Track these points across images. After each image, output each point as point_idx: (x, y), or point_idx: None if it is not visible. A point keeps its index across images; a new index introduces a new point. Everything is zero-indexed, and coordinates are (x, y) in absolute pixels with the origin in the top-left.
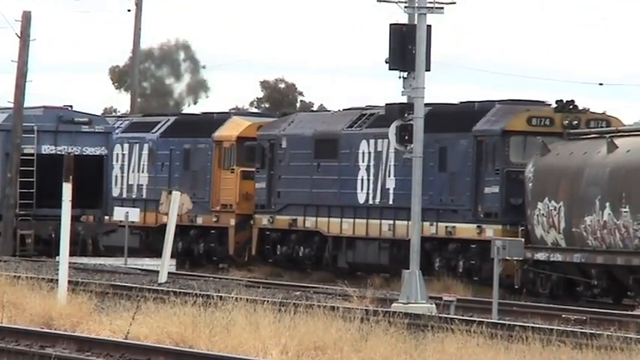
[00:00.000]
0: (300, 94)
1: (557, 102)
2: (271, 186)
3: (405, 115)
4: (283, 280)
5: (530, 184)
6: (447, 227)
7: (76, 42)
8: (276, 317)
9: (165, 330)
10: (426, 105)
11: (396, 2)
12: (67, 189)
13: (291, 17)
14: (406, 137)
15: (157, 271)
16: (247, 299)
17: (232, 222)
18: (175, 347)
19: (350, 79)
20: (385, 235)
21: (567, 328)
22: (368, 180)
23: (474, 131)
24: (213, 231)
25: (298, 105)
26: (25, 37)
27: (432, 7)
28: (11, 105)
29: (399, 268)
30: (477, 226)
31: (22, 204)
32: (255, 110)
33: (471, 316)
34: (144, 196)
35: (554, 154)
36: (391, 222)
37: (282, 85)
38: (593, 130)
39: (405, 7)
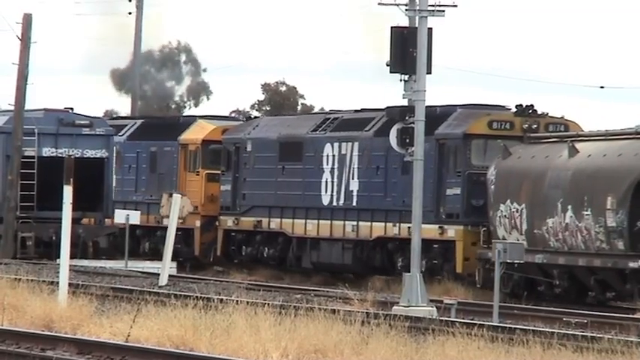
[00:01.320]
0: (302, 96)
1: (517, 106)
2: (236, 188)
3: (406, 117)
4: (284, 283)
5: (492, 187)
6: (409, 228)
7: (77, 44)
8: (276, 320)
9: (165, 333)
10: (386, 109)
11: (397, 5)
12: (67, 191)
13: (291, 20)
14: (407, 140)
15: (158, 274)
16: (248, 302)
17: (198, 223)
18: (176, 350)
19: (351, 81)
20: (349, 236)
21: (568, 332)
22: (332, 182)
23: (436, 135)
24: (179, 232)
25: (299, 108)
26: (26, 40)
27: (433, 10)
28: (12, 107)
29: (363, 267)
30: (439, 227)
31: (23, 206)
32: (257, 113)
33: (471, 320)
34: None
35: (515, 157)
36: (355, 223)
37: (283, 88)
38: (553, 134)
39: (406, 9)
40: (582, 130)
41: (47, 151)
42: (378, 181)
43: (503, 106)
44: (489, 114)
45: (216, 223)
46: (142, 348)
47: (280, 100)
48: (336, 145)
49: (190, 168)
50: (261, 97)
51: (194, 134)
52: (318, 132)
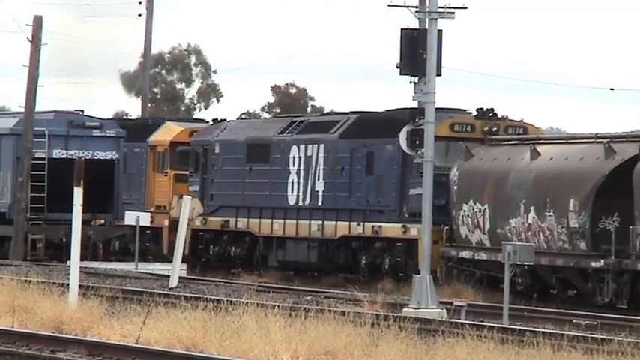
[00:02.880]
0: (311, 98)
1: (477, 110)
2: (204, 189)
3: (416, 119)
4: (294, 285)
5: (455, 187)
6: (373, 227)
7: (87, 46)
8: (286, 322)
9: (175, 334)
10: (354, 113)
11: (407, 7)
12: (77, 193)
13: (302, 22)
14: (417, 142)
15: (168, 276)
16: (258, 304)
17: (166, 223)
18: (186, 352)
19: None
20: (314, 235)
21: (578, 333)
22: (298, 183)
23: (399, 137)
24: (148, 231)
25: (309, 109)
26: (36, 42)
27: (443, 12)
28: (22, 109)
29: (327, 266)
30: (402, 226)
31: (33, 208)
32: (267, 115)
33: (481, 321)
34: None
35: (477, 158)
36: (320, 222)
37: (293, 90)
38: (514, 137)
39: (416, 11)
40: (541, 133)
41: (57, 153)
42: (342, 182)
43: (465, 110)
44: (451, 117)
45: None
46: (152, 350)
47: (290, 102)
48: (302, 147)
49: (159, 169)
50: (271, 99)
51: (162, 136)
52: (284, 134)
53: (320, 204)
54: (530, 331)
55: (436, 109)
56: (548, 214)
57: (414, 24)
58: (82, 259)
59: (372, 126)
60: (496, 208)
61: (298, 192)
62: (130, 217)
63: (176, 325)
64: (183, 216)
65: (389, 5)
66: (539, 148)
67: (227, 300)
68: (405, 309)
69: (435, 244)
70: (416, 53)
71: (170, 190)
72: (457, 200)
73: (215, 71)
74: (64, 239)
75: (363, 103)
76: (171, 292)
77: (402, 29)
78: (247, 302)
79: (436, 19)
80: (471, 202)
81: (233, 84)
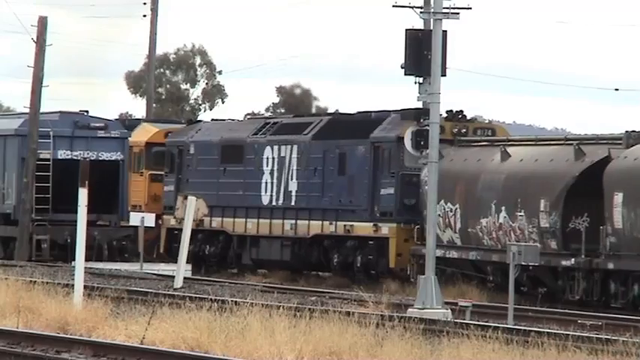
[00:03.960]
0: (316, 99)
1: (447, 112)
2: (179, 189)
3: (421, 120)
4: (299, 286)
5: (426, 187)
6: (345, 226)
7: (92, 47)
8: (291, 322)
9: (180, 335)
10: (327, 114)
11: (412, 7)
12: (82, 194)
13: (306, 23)
14: (421, 142)
15: (173, 277)
16: (262, 304)
17: None
18: (191, 352)
19: (366, 84)
20: (287, 234)
21: (583, 334)
22: (271, 183)
23: (371, 138)
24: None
25: (314, 110)
26: (41, 43)
27: (448, 13)
28: (27, 110)
29: (300, 264)
30: (374, 225)
31: (38, 209)
32: (270, 114)
33: (486, 322)
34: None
35: (448, 159)
36: (293, 221)
37: (298, 91)
38: (483, 138)
39: (421, 12)
40: (509, 135)
41: (62, 154)
42: (315, 182)
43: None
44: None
45: (159, 222)
46: (157, 350)
47: (295, 102)
48: (275, 148)
49: (135, 168)
50: (276, 99)
51: (138, 136)
52: (258, 136)
53: (293, 203)
54: (535, 331)
55: (406, 110)
56: (519, 213)
57: (419, 24)
58: (86, 260)
59: (344, 127)
60: (467, 207)
61: (272, 192)
62: (134, 218)
63: (181, 325)
64: (188, 216)
65: (394, 6)
66: (509, 150)
67: (232, 301)
68: (409, 309)
69: (405, 242)
70: (421, 54)
71: (146, 189)
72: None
73: (220, 72)
74: (68, 240)
75: (367, 103)
76: (176, 293)
77: (406, 30)
78: (252, 303)
79: (441, 19)
80: (442, 201)
81: (238, 85)
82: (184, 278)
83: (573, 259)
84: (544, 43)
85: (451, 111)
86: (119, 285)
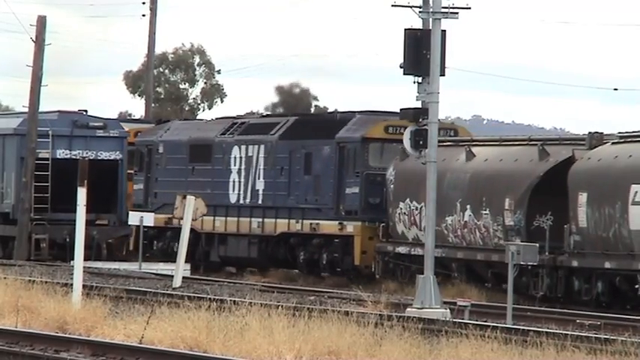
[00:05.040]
0: (315, 98)
1: None
2: (148, 187)
3: (420, 120)
4: (297, 285)
5: (392, 186)
6: (311, 224)
7: (91, 47)
8: (290, 322)
9: (179, 334)
10: (293, 115)
11: (411, 7)
12: (81, 193)
13: (306, 22)
14: (420, 142)
15: (172, 276)
16: (261, 304)
17: None
18: (190, 352)
19: (365, 84)
20: (254, 232)
21: (582, 334)
22: (239, 182)
23: (336, 138)
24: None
25: (313, 110)
26: (40, 42)
27: (447, 12)
28: (26, 109)
29: (267, 261)
30: (339, 223)
31: (37, 208)
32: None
33: (485, 321)
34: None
35: (412, 159)
36: (260, 220)
37: (297, 90)
38: (448, 138)
39: (420, 12)
40: (470, 135)
41: (61, 153)
42: (282, 181)
43: (399, 112)
44: (386, 119)
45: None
46: (155, 350)
47: (294, 102)
48: (243, 147)
49: None
50: (275, 99)
51: None
52: (226, 135)
53: (260, 202)
54: (534, 331)
55: (371, 111)
56: (484, 212)
57: (418, 24)
58: (85, 259)
59: (310, 128)
60: None
61: (239, 190)
62: (133, 217)
63: (180, 325)
64: (187, 216)
65: (392, 5)
66: (474, 150)
67: (231, 300)
68: (408, 309)
69: (370, 240)
70: (419, 53)
71: None
72: (394, 198)
73: (219, 71)
74: (67, 239)
75: (366, 103)
76: (174, 292)
77: (405, 29)
78: (251, 302)
79: (440, 19)
80: (408, 200)
81: (237, 84)
82: (183, 278)
83: (537, 257)
84: (543, 43)
85: None
86: (118, 284)
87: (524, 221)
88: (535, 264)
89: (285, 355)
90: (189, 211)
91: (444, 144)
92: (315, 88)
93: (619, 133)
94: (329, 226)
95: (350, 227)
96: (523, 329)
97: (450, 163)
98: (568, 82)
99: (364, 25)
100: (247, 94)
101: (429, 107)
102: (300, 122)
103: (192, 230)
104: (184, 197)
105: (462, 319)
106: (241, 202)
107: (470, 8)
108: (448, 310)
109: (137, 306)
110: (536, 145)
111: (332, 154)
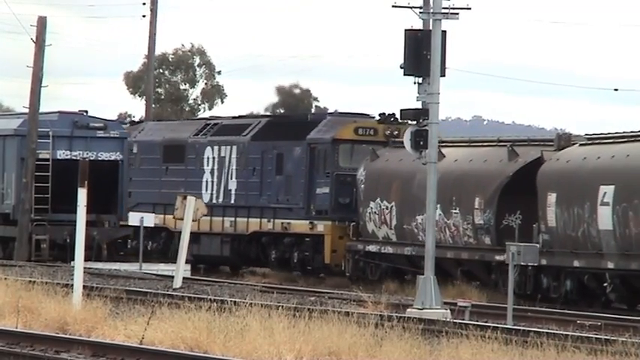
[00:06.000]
0: (315, 99)
1: (380, 115)
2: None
3: (420, 120)
4: (298, 286)
5: (362, 186)
6: (282, 223)
7: (91, 47)
8: (290, 322)
9: (180, 335)
10: (264, 116)
11: (411, 8)
12: (82, 194)
13: (306, 23)
14: (421, 143)
15: (172, 277)
16: (262, 304)
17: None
18: (190, 352)
19: (365, 84)
20: (227, 231)
21: (582, 334)
22: (212, 182)
23: (307, 139)
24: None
25: (313, 110)
26: (40, 43)
27: (447, 13)
28: (26, 110)
29: (239, 259)
30: (310, 222)
31: (38, 209)
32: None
33: (485, 322)
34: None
35: (383, 159)
36: (232, 219)
37: (297, 91)
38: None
39: (420, 12)
40: (440, 137)
41: (62, 154)
42: (254, 181)
43: (368, 115)
44: (355, 121)
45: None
46: (156, 350)
47: (294, 102)
48: (215, 148)
49: None
50: (275, 99)
51: None
52: (199, 136)
53: (233, 202)
54: (535, 331)
55: (341, 113)
56: (454, 211)
57: (418, 25)
58: (86, 260)
59: (281, 129)
60: (403, 205)
61: (212, 190)
62: (133, 218)
63: (180, 325)
64: (187, 216)
65: (393, 6)
66: (444, 150)
67: (231, 301)
68: (409, 310)
69: (340, 239)
70: (420, 54)
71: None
72: (364, 198)
73: (219, 72)
74: (68, 240)
75: (366, 103)
76: (175, 293)
77: (406, 30)
78: (251, 303)
79: (440, 19)
80: (378, 199)
81: (237, 85)
82: (183, 278)
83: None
84: (544, 44)
85: (384, 114)
86: (118, 285)
87: (493, 220)
88: (536, 264)
89: (286, 355)
90: (190, 212)
91: None
92: (315, 89)
93: (586, 135)
94: (300, 226)
95: (320, 226)
96: (523, 330)
97: (420, 164)
98: (568, 83)
99: (364, 25)
100: (248, 95)
101: (430, 108)
102: (271, 123)
103: (166, 229)
104: (185, 198)
105: (463, 319)
106: (214, 201)
107: (470, 9)
108: (448, 311)
109: (137, 307)
110: (505, 146)
111: (303, 154)
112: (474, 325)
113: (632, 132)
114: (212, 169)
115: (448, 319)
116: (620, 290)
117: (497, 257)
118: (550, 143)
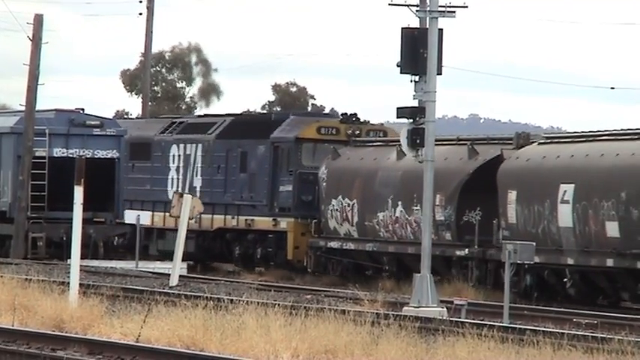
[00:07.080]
0: (312, 97)
1: (342, 115)
2: None
3: (417, 118)
4: (294, 284)
5: (324, 184)
6: (246, 220)
7: (88, 45)
8: (287, 321)
9: (176, 333)
10: (229, 115)
11: (408, 6)
12: (78, 192)
13: (302, 21)
14: (417, 141)
15: (168, 275)
16: (258, 302)
17: None
18: (186, 350)
19: (362, 82)
20: (192, 227)
21: (578, 332)
22: (177, 179)
23: (271, 138)
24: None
25: (309, 108)
26: (36, 40)
27: (444, 11)
28: (23, 108)
29: (204, 255)
30: (273, 219)
31: (34, 207)
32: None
33: (482, 320)
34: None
35: (344, 158)
36: (197, 215)
37: (294, 89)
38: (378, 139)
39: (417, 10)
40: (398, 136)
41: (58, 152)
42: (219, 178)
43: (331, 114)
44: (318, 121)
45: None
46: (152, 348)
47: (291, 100)
48: (181, 146)
49: None
50: (272, 97)
51: None
52: (165, 134)
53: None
54: (531, 330)
55: (305, 113)
56: (415, 208)
57: (415, 23)
58: (82, 258)
59: (246, 128)
60: (364, 202)
61: (177, 187)
62: (130, 216)
63: (176, 323)
64: (184, 214)
65: (390, 4)
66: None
67: (227, 299)
68: (405, 308)
69: (302, 236)
70: (416, 52)
71: None
72: (326, 196)
73: (216, 70)
74: (64, 238)
75: (363, 101)
76: (171, 291)
77: (402, 28)
78: (248, 301)
79: (437, 18)
80: (340, 197)
81: (234, 83)
82: (180, 276)
83: (467, 250)
84: (541, 42)
85: (345, 114)
86: (115, 283)
87: (454, 216)
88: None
89: (282, 353)
90: (186, 210)
91: (375, 144)
92: (312, 87)
93: (544, 134)
94: (263, 222)
95: (283, 223)
96: (520, 328)
97: (381, 162)
98: (565, 81)
99: (361, 23)
100: (244, 93)
101: (426, 106)
102: (236, 122)
103: (131, 224)
104: (181, 196)
105: (459, 318)
106: None
107: (467, 7)
108: (445, 309)
109: (134, 304)
110: (465, 144)
111: (267, 153)
112: (470, 323)
113: (590, 132)
114: (177, 167)
115: (444, 318)
116: (580, 286)
117: (458, 252)
118: (509, 142)
